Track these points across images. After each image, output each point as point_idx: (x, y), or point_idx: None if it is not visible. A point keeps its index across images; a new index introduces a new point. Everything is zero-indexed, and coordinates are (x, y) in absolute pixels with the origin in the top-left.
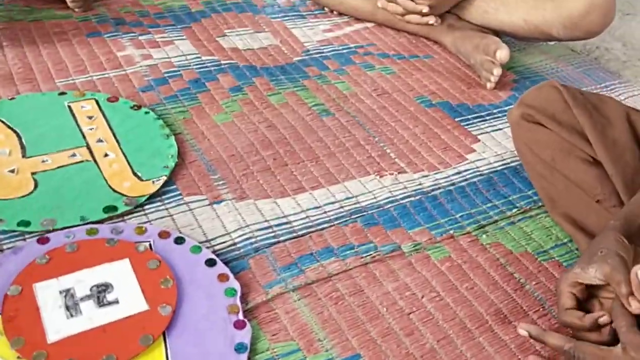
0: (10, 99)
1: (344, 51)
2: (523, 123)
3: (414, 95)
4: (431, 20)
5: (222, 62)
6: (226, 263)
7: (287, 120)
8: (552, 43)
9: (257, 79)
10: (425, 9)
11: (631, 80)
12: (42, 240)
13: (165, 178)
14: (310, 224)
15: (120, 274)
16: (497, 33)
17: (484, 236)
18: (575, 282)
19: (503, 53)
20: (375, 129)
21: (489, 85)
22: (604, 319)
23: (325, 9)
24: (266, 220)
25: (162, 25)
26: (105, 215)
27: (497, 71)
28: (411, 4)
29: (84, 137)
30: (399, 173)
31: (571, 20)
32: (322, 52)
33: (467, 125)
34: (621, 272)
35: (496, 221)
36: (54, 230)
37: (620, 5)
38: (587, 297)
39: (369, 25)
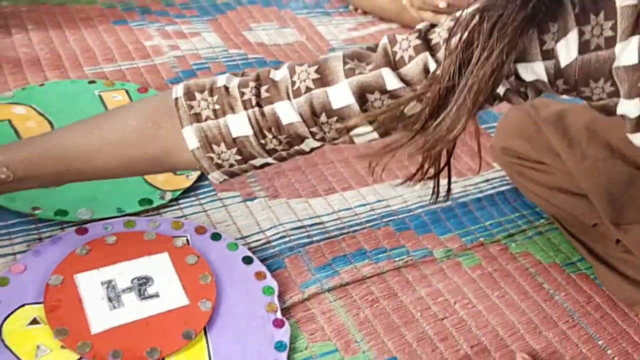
0: (40, 85)
1: None
2: (506, 159)
3: None
4: (442, 3)
5: (249, 56)
6: (262, 261)
7: None
8: None
9: None
10: (443, 4)
11: None
12: (81, 231)
13: (198, 173)
14: (342, 225)
15: (159, 268)
16: None
17: (513, 245)
18: None
19: None
20: None
21: None
22: None
23: (350, 7)
24: (299, 220)
25: (187, 16)
26: (141, 208)
27: None
28: None
29: None
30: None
31: None
32: None
33: (492, 131)
34: None
35: (524, 230)
36: (91, 220)
37: None
38: None
39: (394, 26)
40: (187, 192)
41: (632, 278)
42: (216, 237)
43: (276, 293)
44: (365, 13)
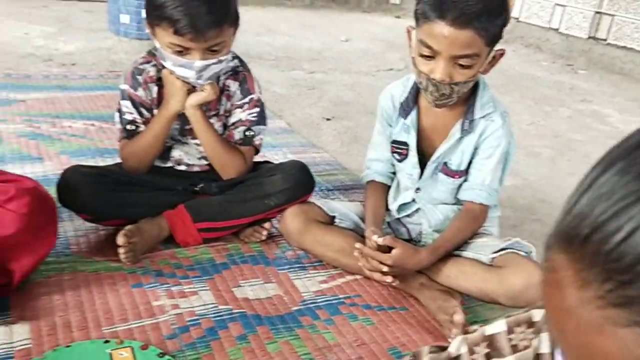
0: (66, 347)
1: (334, 302)
2: None
3: (387, 347)
4: (388, 279)
5: (234, 311)
6: None
7: None
8: None
9: (260, 327)
10: (385, 269)
11: None
12: None
13: None
14: None
15: None
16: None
17: None
18: None
19: (458, 317)
20: None
21: (450, 340)
22: None
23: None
24: None
25: (191, 277)
26: None
27: (455, 331)
28: (375, 262)
29: None
30: None
31: (513, 293)
32: (316, 302)
33: None
34: None
35: None
36: None
37: None
38: None
39: (359, 277)
40: None
41: None
42: None
43: None
44: (334, 267)
